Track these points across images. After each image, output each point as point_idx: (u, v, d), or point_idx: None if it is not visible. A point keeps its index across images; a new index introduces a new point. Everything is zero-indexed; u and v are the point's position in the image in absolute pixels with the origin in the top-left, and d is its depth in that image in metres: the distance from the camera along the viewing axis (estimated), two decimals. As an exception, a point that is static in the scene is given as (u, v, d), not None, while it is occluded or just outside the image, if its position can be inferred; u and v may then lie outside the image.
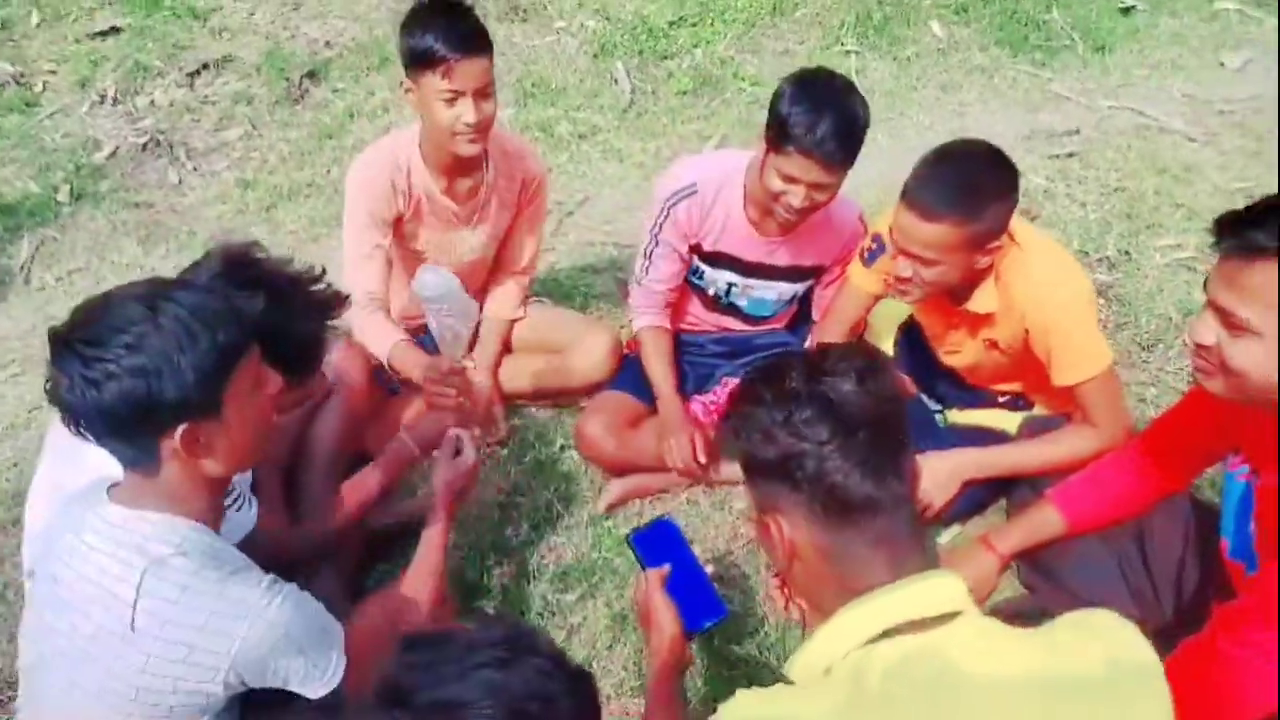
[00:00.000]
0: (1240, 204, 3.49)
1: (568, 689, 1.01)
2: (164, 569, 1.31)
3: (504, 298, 2.61)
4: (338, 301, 1.77)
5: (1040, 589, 2.09)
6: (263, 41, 4.51)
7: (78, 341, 1.25)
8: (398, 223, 2.36)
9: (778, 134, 2.03)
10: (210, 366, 1.29)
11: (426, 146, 2.28)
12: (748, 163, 2.28)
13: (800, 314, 2.59)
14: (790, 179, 2.06)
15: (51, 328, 1.30)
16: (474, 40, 2.11)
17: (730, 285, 2.43)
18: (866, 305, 2.39)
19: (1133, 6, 4.71)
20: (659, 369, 2.40)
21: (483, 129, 2.17)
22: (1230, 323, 1.38)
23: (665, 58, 4.36)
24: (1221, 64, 4.31)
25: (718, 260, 2.38)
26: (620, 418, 2.40)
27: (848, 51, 4.41)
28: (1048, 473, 2.09)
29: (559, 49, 4.48)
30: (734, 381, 2.51)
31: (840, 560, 1.15)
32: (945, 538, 2.29)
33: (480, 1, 4.78)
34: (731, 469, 2.40)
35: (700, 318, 2.56)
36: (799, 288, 2.46)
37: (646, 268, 2.40)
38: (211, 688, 1.33)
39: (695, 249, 2.38)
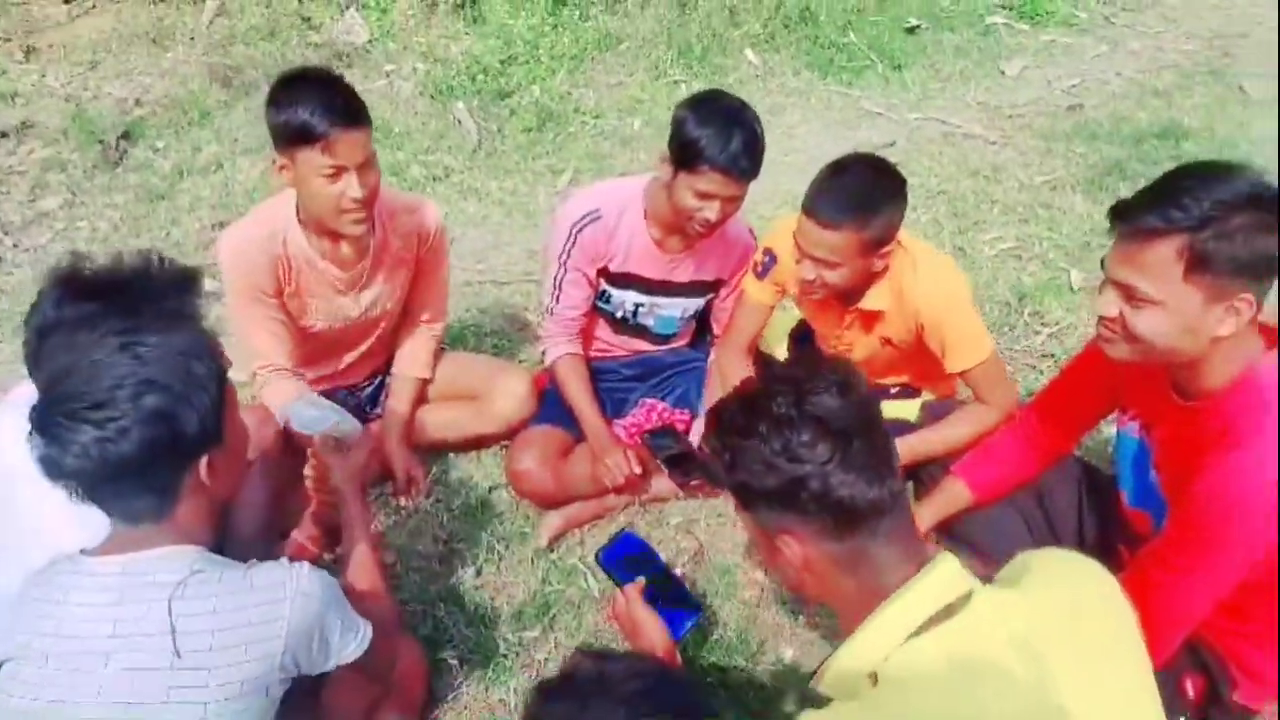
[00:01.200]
0: (1045, 197, 3.92)
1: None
2: (188, 589, 1.31)
3: (414, 354, 2.56)
4: (190, 275, 1.62)
5: (959, 554, 2.30)
6: (62, 104, 4.21)
7: (81, 409, 1.24)
8: (279, 294, 2.26)
9: (688, 155, 2.14)
10: (214, 391, 1.33)
11: (305, 215, 2.18)
12: (644, 186, 2.39)
13: (698, 330, 2.72)
14: (705, 195, 2.17)
15: (38, 407, 1.26)
16: (354, 112, 2.01)
17: (637, 305, 2.52)
18: (765, 316, 2.54)
19: (917, 26, 5.20)
20: (581, 396, 2.44)
21: (369, 203, 2.10)
22: (1132, 296, 1.57)
23: (504, 96, 4.42)
24: (1002, 72, 4.84)
25: (625, 281, 2.46)
26: (550, 450, 2.43)
27: (675, 81, 4.62)
28: (953, 453, 2.30)
29: (393, 93, 4.44)
30: (651, 402, 2.60)
31: (856, 566, 1.21)
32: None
33: (304, 52, 4.69)
34: (661, 485, 2.48)
35: (609, 342, 2.63)
36: (700, 303, 2.58)
37: (557, 296, 2.45)
38: (270, 678, 1.34)
39: (603, 272, 2.45)
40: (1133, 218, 1.55)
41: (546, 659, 2.13)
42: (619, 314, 2.55)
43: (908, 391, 2.57)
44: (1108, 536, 2.13)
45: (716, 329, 2.68)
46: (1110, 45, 5.04)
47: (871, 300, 2.25)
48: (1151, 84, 4.62)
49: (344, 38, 4.85)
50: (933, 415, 2.45)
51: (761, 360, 2.63)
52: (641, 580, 1.70)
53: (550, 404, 2.55)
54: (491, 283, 3.38)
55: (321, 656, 1.41)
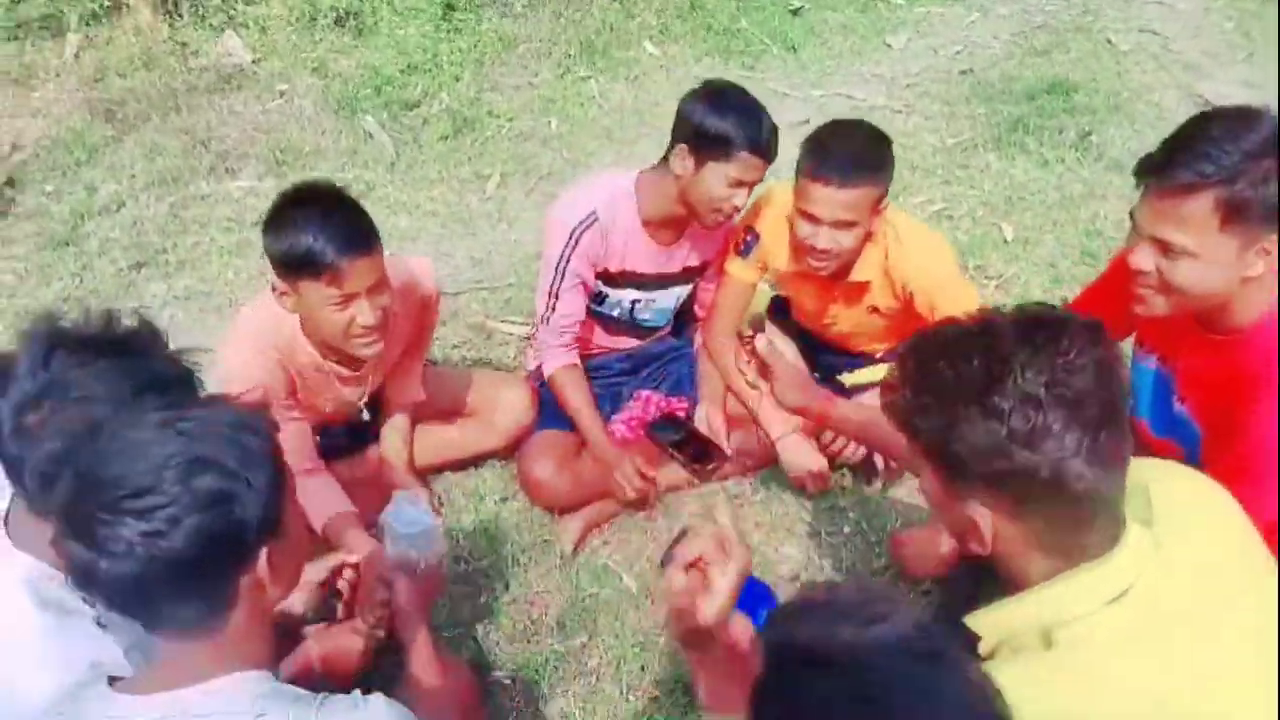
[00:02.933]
0: (960, 158, 4.07)
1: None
2: None
3: (393, 436, 2.39)
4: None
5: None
6: (-73, 154, 3.84)
7: (121, 499, 1.04)
8: (291, 397, 2.11)
9: (719, 144, 2.12)
10: (272, 469, 1.13)
11: (311, 337, 2.03)
12: (634, 181, 2.36)
13: (679, 318, 2.71)
14: (739, 182, 2.17)
15: (67, 504, 1.06)
16: (364, 237, 1.88)
17: (634, 302, 2.49)
18: (750, 295, 2.56)
19: (801, 7, 5.33)
20: (584, 410, 2.39)
21: (383, 326, 1.96)
22: (1169, 250, 1.61)
23: (411, 106, 4.29)
24: (889, 45, 5.01)
25: (623, 281, 2.43)
26: (561, 455, 2.38)
27: (583, 78, 4.58)
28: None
29: (294, 111, 4.25)
30: (646, 394, 2.58)
31: (1053, 546, 1.14)
32: (877, 486, 2.51)
33: (188, 78, 4.43)
34: (672, 475, 2.46)
35: (600, 343, 2.59)
36: (689, 289, 2.57)
37: (553, 305, 2.39)
38: None
39: (600, 274, 2.41)
40: (1166, 174, 1.57)
41: (599, 664, 2.09)
42: (615, 313, 2.52)
43: (892, 356, 2.63)
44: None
45: (700, 312, 2.68)
46: (981, 12, 5.29)
47: (859, 272, 2.30)
48: (1029, 44, 4.87)
49: (226, 60, 4.61)
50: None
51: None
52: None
53: (548, 409, 2.49)
54: (444, 294, 3.27)
55: None
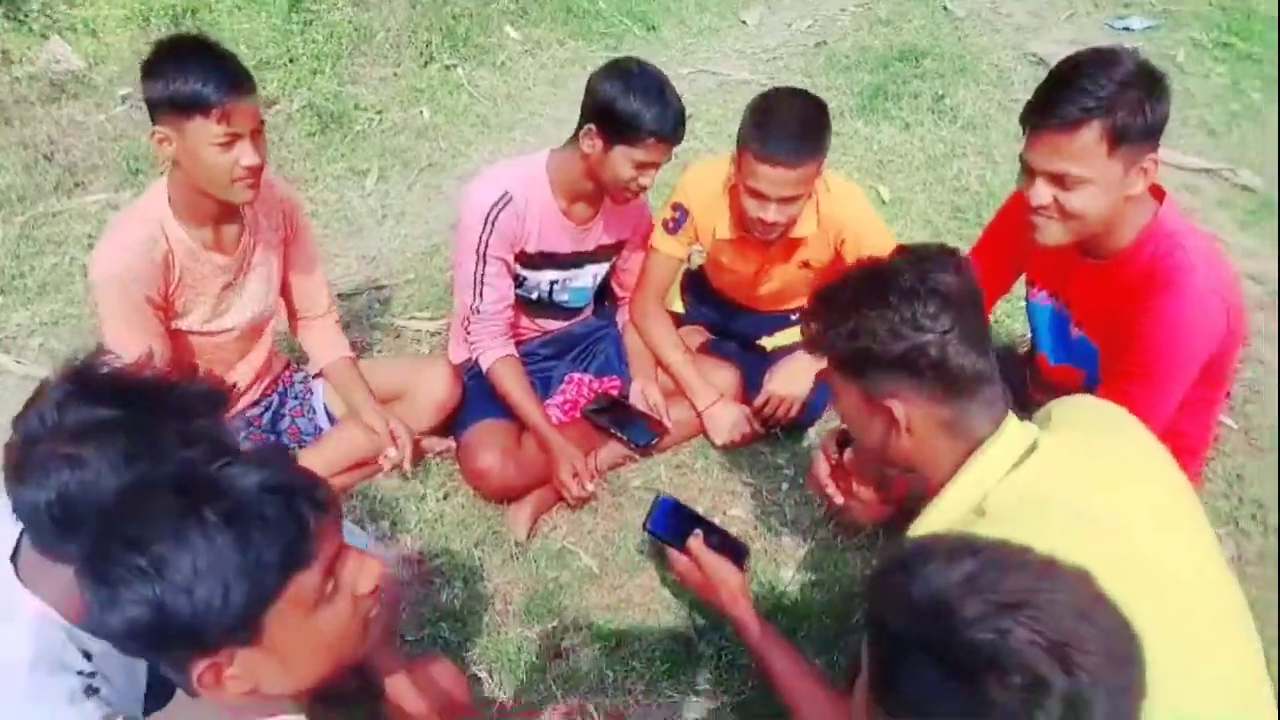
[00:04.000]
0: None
1: None
2: None
3: (325, 343, 2.43)
4: (222, 391, 1.45)
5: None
6: None
7: (122, 569, 0.97)
8: (165, 303, 2.10)
9: (627, 128, 2.13)
10: (262, 589, 1.02)
11: (184, 202, 2.06)
12: (545, 160, 2.35)
13: (598, 298, 2.72)
14: (645, 165, 2.19)
15: (89, 547, 1.00)
16: (246, 78, 1.96)
17: (553, 283, 2.49)
18: (677, 268, 2.61)
19: (653, -14, 5.39)
20: (526, 402, 2.37)
21: (260, 170, 2.01)
22: (1064, 182, 1.78)
23: (270, 104, 4.09)
24: (744, 22, 5.15)
25: (540, 261, 2.42)
26: (505, 443, 2.35)
27: (447, 66, 4.49)
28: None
29: (142, 117, 3.96)
30: (577, 377, 2.58)
31: (955, 427, 1.37)
32: (808, 442, 2.61)
33: (16, 89, 4.08)
34: (613, 453, 2.48)
35: (523, 326, 2.57)
36: (606, 267, 2.59)
37: (480, 293, 2.36)
38: None
39: (518, 256, 2.39)
40: (1055, 114, 1.74)
41: (572, 643, 2.10)
42: (534, 295, 2.50)
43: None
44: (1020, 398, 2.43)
45: (620, 291, 2.71)
46: (824, -14, 5.51)
47: (799, 228, 2.38)
48: (874, 14, 5.10)
49: (56, 67, 4.25)
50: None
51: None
52: (699, 533, 1.74)
53: (479, 398, 2.46)
54: (339, 296, 3.16)
55: None
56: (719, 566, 1.71)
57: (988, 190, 3.71)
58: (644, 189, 2.28)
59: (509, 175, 2.35)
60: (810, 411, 2.56)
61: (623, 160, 2.19)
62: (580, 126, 2.25)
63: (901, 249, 1.45)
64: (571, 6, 5.02)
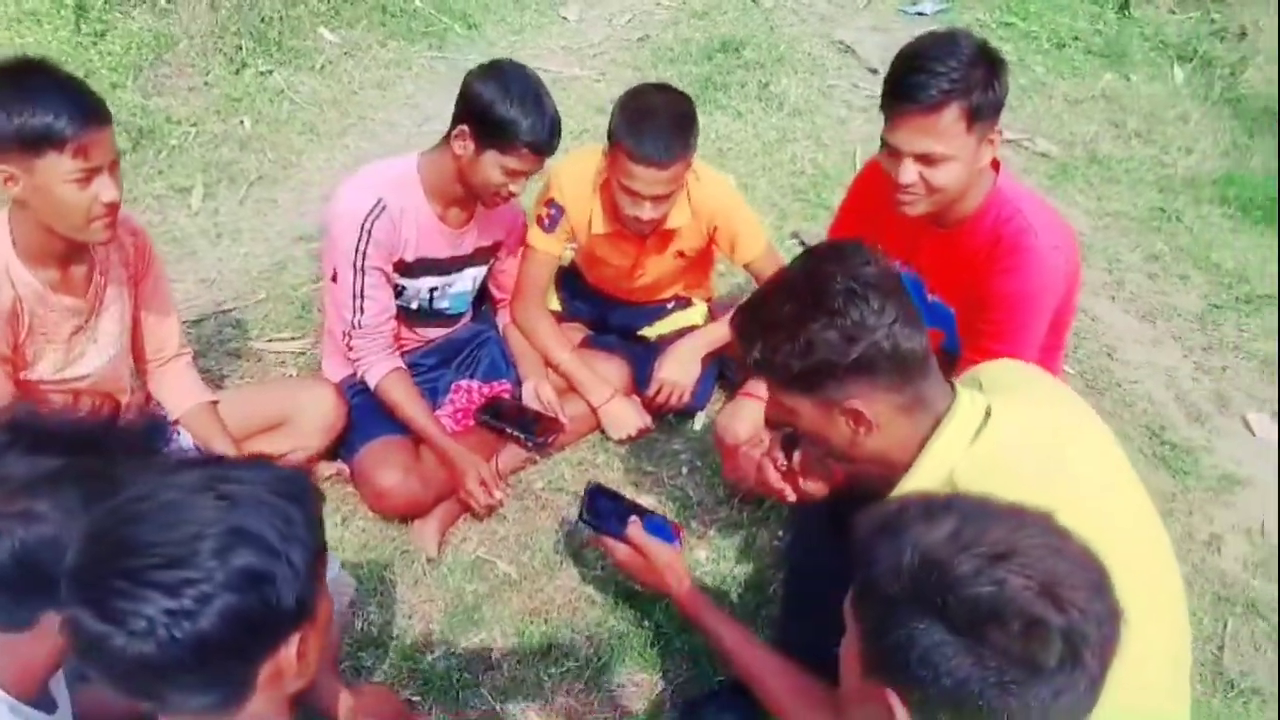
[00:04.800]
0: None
1: None
2: None
3: (180, 389, 2.21)
4: (161, 421, 1.38)
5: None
6: None
7: (150, 569, 0.90)
8: (16, 354, 1.92)
9: (501, 134, 2.08)
10: (313, 547, 1.00)
11: (28, 243, 1.86)
12: (416, 163, 2.28)
13: (476, 303, 2.66)
14: (516, 173, 2.15)
15: (79, 568, 0.92)
16: (100, 109, 1.79)
17: (432, 290, 2.42)
18: (554, 267, 2.60)
19: (468, -14, 5.31)
20: (420, 415, 2.30)
21: (117, 207, 1.85)
22: (930, 160, 1.90)
23: (69, 122, 3.74)
24: (565, 18, 5.16)
25: (419, 269, 2.34)
26: (403, 460, 2.27)
27: (264, 71, 4.25)
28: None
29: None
30: (465, 384, 2.52)
31: (914, 408, 1.38)
32: (699, 425, 2.66)
33: None
34: (512, 457, 2.45)
35: (404, 337, 2.48)
36: (484, 270, 2.54)
37: (361, 307, 2.25)
38: None
39: (396, 265, 2.31)
40: (913, 98, 1.85)
41: (502, 653, 2.06)
42: (414, 305, 2.42)
43: (680, 303, 2.79)
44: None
45: (498, 293, 2.66)
46: (635, -20, 5.61)
47: (673, 219, 2.42)
48: (689, 8, 5.24)
49: None
50: (723, 310, 2.71)
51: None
52: (635, 519, 1.75)
53: (368, 416, 2.36)
54: (186, 324, 2.94)
55: None
56: (660, 550, 1.72)
57: (821, 172, 3.90)
58: (513, 196, 2.24)
59: (379, 181, 2.26)
60: (699, 397, 2.61)
61: (493, 165, 2.15)
62: (453, 127, 2.20)
63: (808, 254, 1.47)
64: (387, 6, 4.87)
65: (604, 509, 1.79)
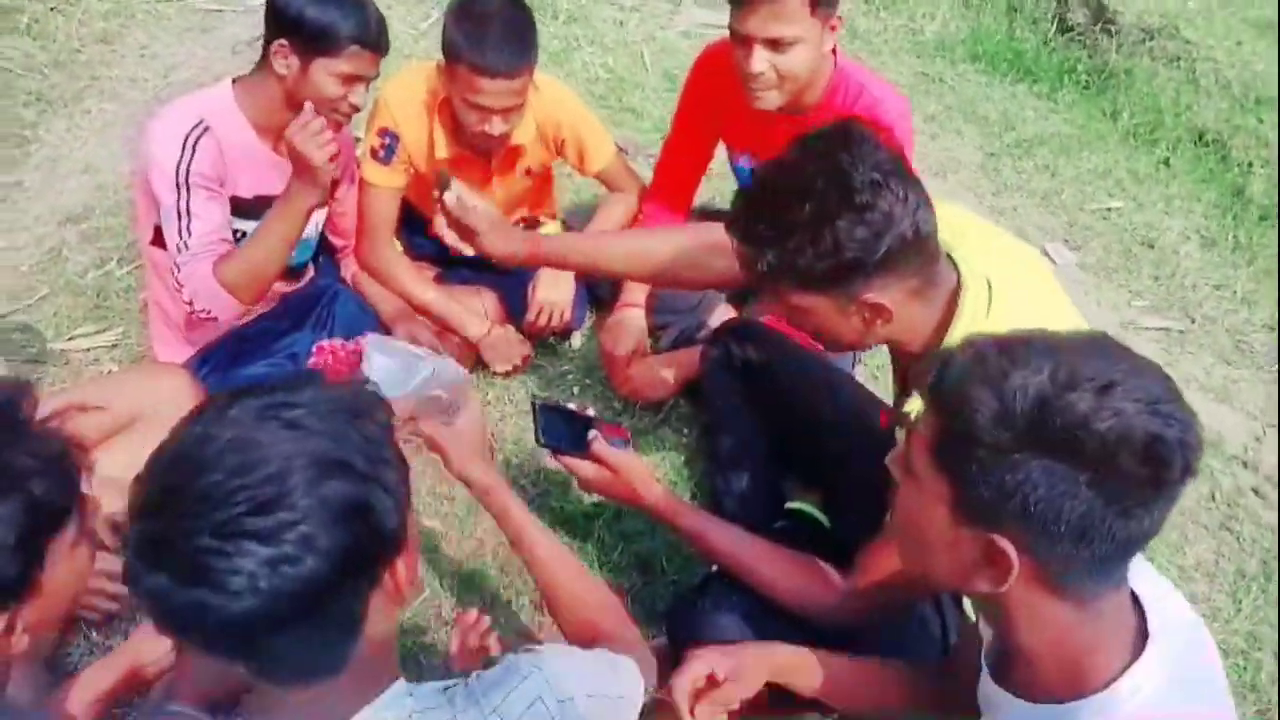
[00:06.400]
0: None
1: None
2: None
3: None
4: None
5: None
6: None
7: (243, 517, 0.81)
8: None
9: (319, 39, 1.94)
10: (400, 468, 0.93)
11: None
12: (233, 95, 2.05)
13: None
14: (352, 78, 1.99)
15: (150, 530, 0.84)
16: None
17: None
18: (397, 202, 2.42)
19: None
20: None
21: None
22: (779, 45, 1.95)
23: None
24: None
25: (256, 208, 2.09)
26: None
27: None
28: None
29: None
30: (328, 344, 2.32)
31: (927, 288, 1.37)
32: (577, 343, 2.61)
33: None
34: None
35: None
36: (325, 212, 2.31)
37: (188, 226, 1.95)
38: None
39: (233, 204, 2.06)
40: None
41: (456, 608, 1.97)
42: None
43: (530, 225, 2.69)
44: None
45: (337, 240, 2.46)
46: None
47: (517, 135, 2.31)
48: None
49: None
50: (579, 222, 2.64)
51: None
52: (595, 434, 1.68)
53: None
54: None
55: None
56: (626, 462, 1.65)
57: (615, 76, 3.86)
58: (356, 109, 2.06)
59: (196, 109, 2.00)
60: (577, 315, 2.55)
61: (324, 76, 1.97)
62: (266, 47, 1.99)
63: (805, 143, 1.36)
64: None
65: (557, 426, 1.71)
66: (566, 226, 2.68)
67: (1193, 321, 2.86)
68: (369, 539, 0.87)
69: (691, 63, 2.37)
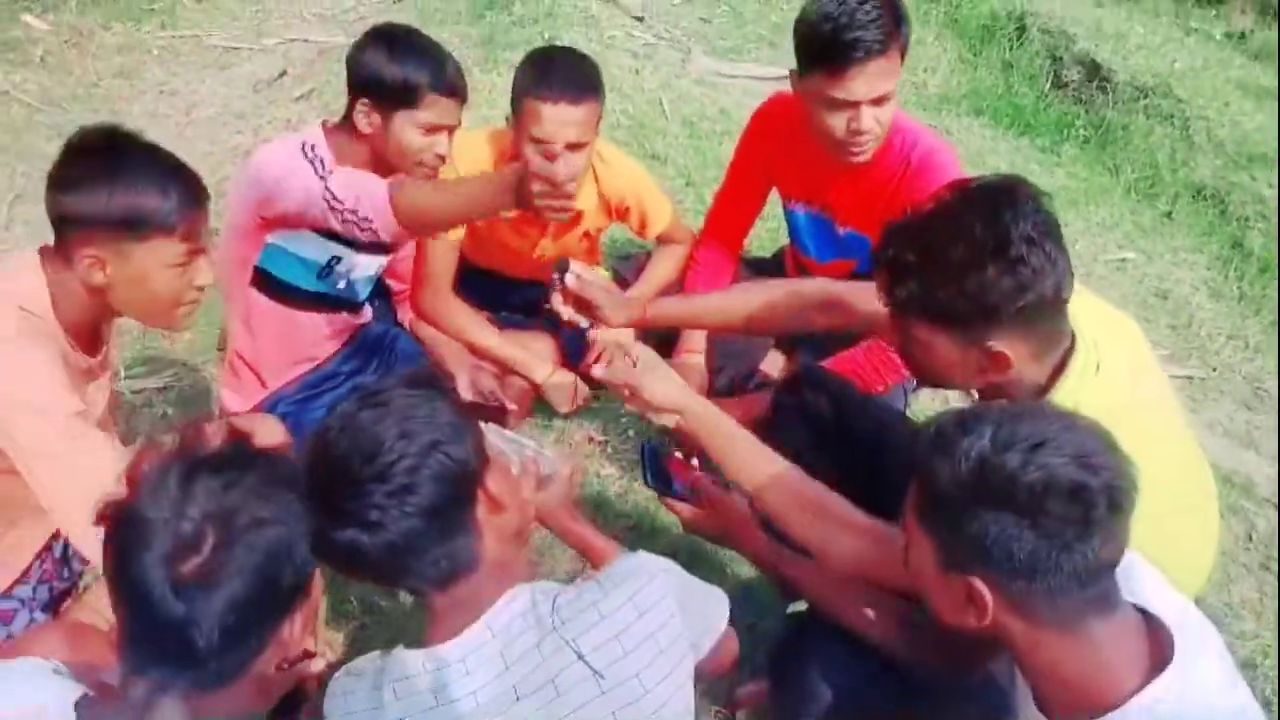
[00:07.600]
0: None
1: None
2: (560, 614, 1.20)
3: None
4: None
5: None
6: None
7: (359, 466, 1.12)
8: None
9: (399, 92, 1.95)
10: (466, 428, 1.21)
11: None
12: (320, 135, 2.01)
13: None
14: (435, 128, 2.01)
15: (315, 499, 1.11)
16: (202, 186, 1.67)
17: (333, 260, 2.13)
18: (457, 252, 2.43)
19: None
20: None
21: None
22: (882, 101, 2.02)
23: None
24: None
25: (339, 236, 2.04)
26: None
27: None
28: (669, 288, 2.55)
29: None
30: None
31: (1045, 350, 1.42)
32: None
33: None
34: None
35: (304, 326, 2.21)
36: (386, 261, 2.30)
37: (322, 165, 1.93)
38: (686, 655, 1.29)
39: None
40: (864, 46, 1.95)
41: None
42: (319, 258, 2.11)
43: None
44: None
45: (396, 285, 2.46)
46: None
47: (580, 200, 2.32)
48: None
49: None
50: (631, 270, 2.67)
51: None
52: (703, 476, 1.71)
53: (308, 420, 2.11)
54: None
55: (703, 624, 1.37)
56: (730, 504, 1.67)
57: (636, 122, 3.91)
58: (441, 159, 2.07)
59: (293, 145, 1.98)
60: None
61: (406, 128, 1.98)
62: (351, 105, 2.01)
63: (971, 192, 1.40)
64: (93, -15, 4.22)
65: (664, 470, 1.73)
66: (617, 275, 2.70)
67: (1213, 370, 2.97)
68: (456, 466, 1.15)
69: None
